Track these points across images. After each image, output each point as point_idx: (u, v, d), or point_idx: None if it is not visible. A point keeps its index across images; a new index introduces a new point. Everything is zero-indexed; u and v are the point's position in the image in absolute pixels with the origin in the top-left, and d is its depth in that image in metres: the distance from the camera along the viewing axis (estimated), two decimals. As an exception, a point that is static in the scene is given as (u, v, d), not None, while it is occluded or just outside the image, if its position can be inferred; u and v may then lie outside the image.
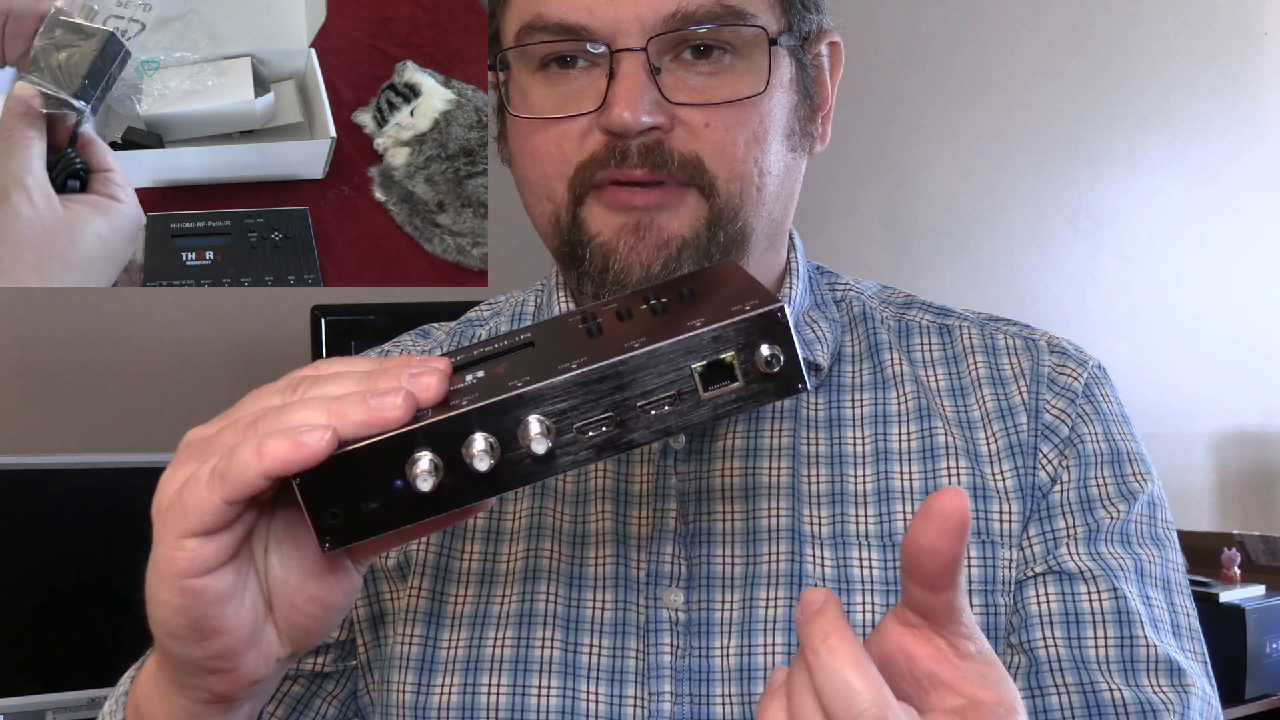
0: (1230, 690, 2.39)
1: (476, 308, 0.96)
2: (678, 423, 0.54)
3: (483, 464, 0.53)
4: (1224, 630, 2.38)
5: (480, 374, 0.57)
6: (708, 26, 0.76)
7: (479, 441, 0.53)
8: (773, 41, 0.78)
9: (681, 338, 0.53)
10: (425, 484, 0.53)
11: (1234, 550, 2.63)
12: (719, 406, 0.54)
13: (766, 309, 0.54)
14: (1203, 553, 2.55)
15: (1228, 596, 2.46)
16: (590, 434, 0.54)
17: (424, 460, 0.53)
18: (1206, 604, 2.39)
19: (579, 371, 0.53)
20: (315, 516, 0.54)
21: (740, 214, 0.78)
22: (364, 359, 0.58)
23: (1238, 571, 2.61)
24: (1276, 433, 3.46)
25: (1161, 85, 3.28)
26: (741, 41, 0.77)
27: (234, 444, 0.54)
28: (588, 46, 0.76)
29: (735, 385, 0.54)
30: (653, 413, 0.54)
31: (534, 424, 0.53)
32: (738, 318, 0.54)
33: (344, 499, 0.54)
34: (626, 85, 0.75)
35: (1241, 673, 2.40)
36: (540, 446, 0.53)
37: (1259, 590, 2.53)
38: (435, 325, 0.96)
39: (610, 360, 0.53)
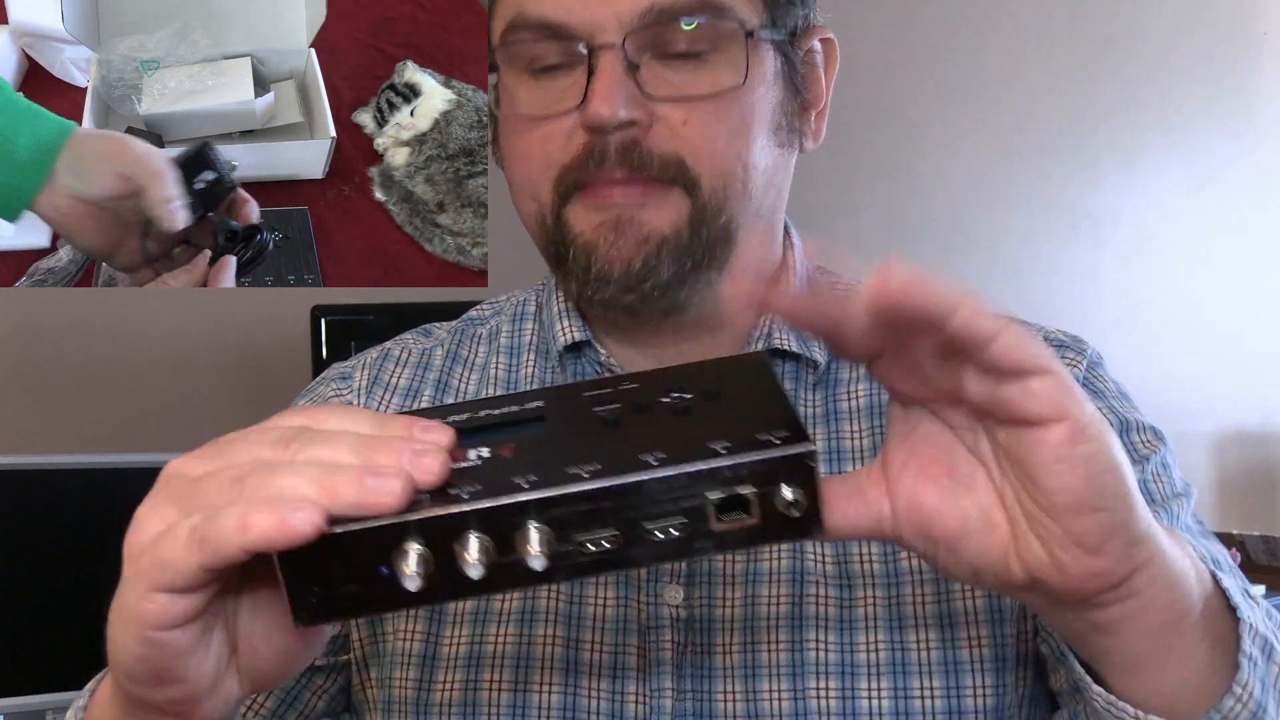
0: (1230, 690, 2.38)
1: (478, 306, 0.96)
2: (681, 550, 0.50)
3: (475, 572, 0.49)
4: (1224, 630, 2.38)
5: (485, 453, 0.52)
6: (686, 21, 0.76)
7: (473, 549, 0.49)
8: (749, 34, 0.77)
9: (702, 466, 0.49)
10: (413, 584, 0.49)
11: (1234, 550, 2.63)
12: (726, 539, 0.50)
13: (797, 451, 0.49)
14: (1203, 553, 2.55)
15: (1228, 596, 2.47)
16: (591, 549, 0.50)
17: (413, 556, 0.49)
18: (1206, 604, 2.39)
19: (590, 486, 0.49)
20: (293, 592, 0.50)
21: (725, 209, 0.78)
22: (364, 414, 0.54)
23: (1238, 571, 2.61)
24: (1276, 433, 3.46)
25: (1161, 86, 3.27)
26: (719, 36, 0.77)
27: (218, 503, 0.50)
28: (578, 48, 0.76)
29: (749, 521, 0.50)
30: (659, 536, 0.50)
31: (534, 536, 0.49)
32: (765, 454, 0.49)
33: (325, 579, 0.50)
34: (604, 81, 0.75)
35: (1241, 673, 2.41)
36: (538, 563, 0.49)
37: (1259, 590, 2.54)
38: (437, 325, 0.96)
39: (625, 480, 0.49)
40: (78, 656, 1.72)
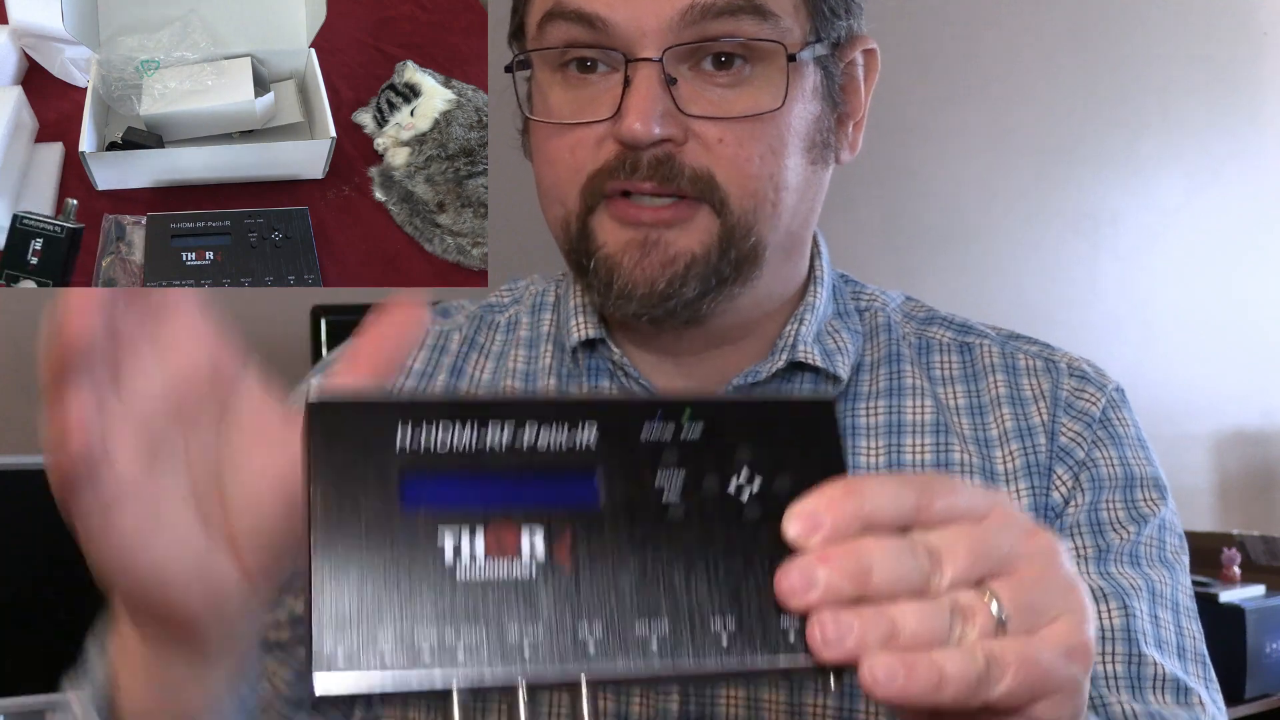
0: (1230, 690, 2.39)
1: (497, 291, 0.95)
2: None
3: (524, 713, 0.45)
4: (1224, 630, 2.38)
5: (540, 553, 0.45)
6: (727, 25, 0.75)
7: (522, 699, 0.44)
8: (791, 58, 0.76)
9: (768, 669, 0.45)
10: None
11: (1234, 550, 2.63)
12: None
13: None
14: (1203, 553, 2.55)
15: (1228, 596, 2.47)
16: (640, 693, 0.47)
17: (456, 699, 0.43)
18: (1206, 604, 2.39)
19: (659, 671, 0.44)
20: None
21: (753, 230, 0.77)
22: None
23: (1238, 571, 2.61)
24: (1276, 433, 3.46)
25: (1161, 86, 3.27)
26: (760, 53, 0.76)
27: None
28: (616, 56, 0.75)
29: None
30: (720, 693, 0.47)
31: (586, 695, 0.44)
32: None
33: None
34: (639, 96, 0.74)
35: (1241, 673, 2.41)
36: (588, 707, 0.44)
37: (1259, 590, 2.53)
38: (457, 305, 0.95)
39: (693, 671, 0.44)
40: (78, 656, 1.72)
